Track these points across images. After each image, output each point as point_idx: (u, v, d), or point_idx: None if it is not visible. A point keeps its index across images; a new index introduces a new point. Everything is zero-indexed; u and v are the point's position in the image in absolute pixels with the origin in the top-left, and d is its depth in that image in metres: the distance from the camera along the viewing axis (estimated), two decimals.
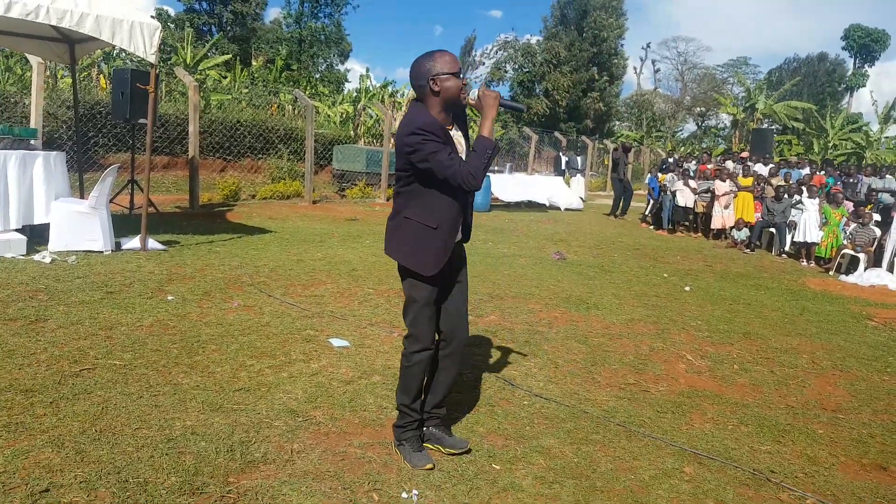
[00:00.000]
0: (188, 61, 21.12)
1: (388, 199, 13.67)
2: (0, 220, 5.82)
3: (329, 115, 23.77)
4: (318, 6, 32.09)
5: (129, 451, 2.62)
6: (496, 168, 15.86)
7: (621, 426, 3.31)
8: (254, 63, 27.36)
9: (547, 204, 14.95)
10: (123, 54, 20.53)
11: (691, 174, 13.24)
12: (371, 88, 25.61)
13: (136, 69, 8.85)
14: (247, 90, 22.17)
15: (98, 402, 3.04)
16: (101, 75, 19.66)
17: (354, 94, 27.42)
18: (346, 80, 32.25)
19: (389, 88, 25.38)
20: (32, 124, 8.51)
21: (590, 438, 3.15)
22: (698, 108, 43.44)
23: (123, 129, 11.89)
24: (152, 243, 6.39)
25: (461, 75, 2.61)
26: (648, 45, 51.76)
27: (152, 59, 5.98)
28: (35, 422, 2.81)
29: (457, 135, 2.71)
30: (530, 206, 14.82)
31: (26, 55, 9.64)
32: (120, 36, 5.79)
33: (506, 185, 14.54)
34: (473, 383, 3.73)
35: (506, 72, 32.66)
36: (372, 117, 23.31)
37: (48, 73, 15.17)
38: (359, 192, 13.76)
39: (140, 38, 5.88)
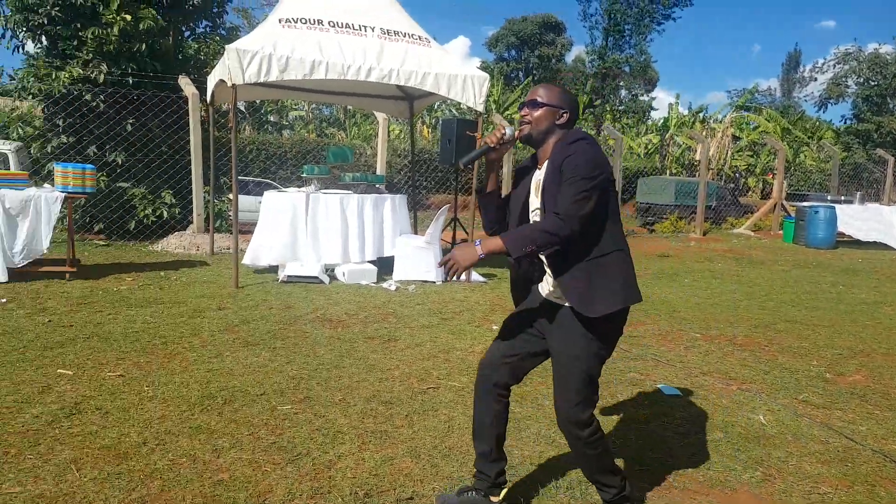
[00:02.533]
0: (498, 107, 23.01)
1: (704, 234, 12.86)
2: (358, 253, 7.01)
3: (631, 147, 23.51)
4: (621, 38, 32.29)
5: (474, 471, 2.81)
6: (843, 197, 13.75)
7: None
8: None
9: None
10: (443, 105, 23.33)
11: None
12: (683, 116, 24.63)
13: (461, 118, 9.91)
14: None
15: (444, 420, 3.35)
16: (424, 125, 22.60)
17: (659, 123, 26.67)
18: (653, 109, 31.61)
19: (701, 115, 24.12)
20: (378, 171, 10.12)
21: None
22: None
23: (445, 173, 13.39)
24: (475, 276, 7.01)
25: (523, 108, 2.40)
26: None
27: (480, 107, 6.63)
28: (395, 432, 3.20)
29: (538, 174, 2.38)
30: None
31: (374, 112, 11.56)
32: (455, 90, 6.56)
33: (855, 217, 12.47)
34: (842, 455, 3.17)
35: (847, 87, 28.43)
36: (679, 146, 22.35)
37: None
38: (669, 226, 13.21)
39: (471, 90, 6.58)
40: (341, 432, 3.15)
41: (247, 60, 5.69)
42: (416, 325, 5.17)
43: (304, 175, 7.75)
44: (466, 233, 9.59)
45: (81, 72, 9.14)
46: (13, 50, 9.68)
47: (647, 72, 31.43)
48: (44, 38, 9.54)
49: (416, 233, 8.46)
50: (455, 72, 6.50)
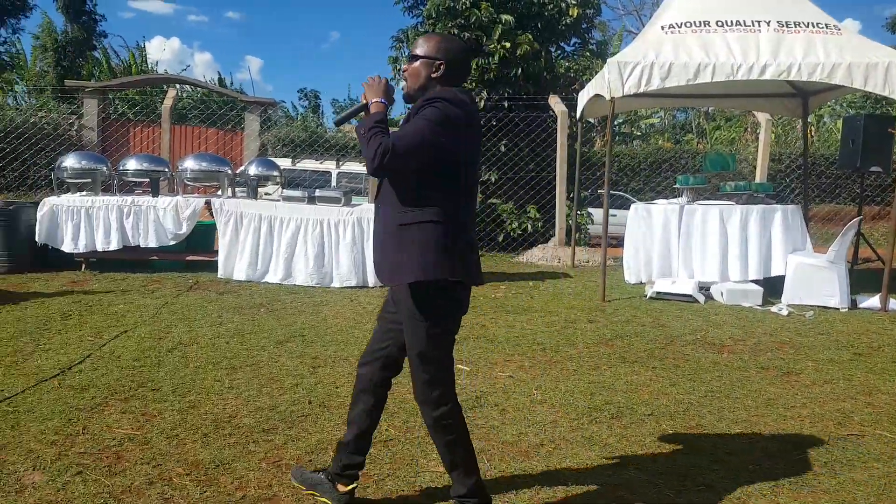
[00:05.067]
0: None
1: None
2: (739, 271, 6.51)
3: None
4: None
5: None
6: None
7: None
8: None
9: None
10: (832, 102, 20.41)
11: None
12: None
13: (870, 114, 8.52)
14: None
15: (878, 475, 2.85)
16: (810, 126, 20.04)
17: None
18: None
19: None
20: (758, 179, 9.30)
21: None
22: None
23: (836, 179, 11.70)
24: (894, 304, 5.89)
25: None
26: None
27: None
28: (814, 479, 2.83)
29: None
30: None
31: (753, 113, 10.67)
32: (873, 81, 5.65)
33: None
34: None
35: None
36: None
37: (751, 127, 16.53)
38: None
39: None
40: (745, 470, 2.91)
41: (627, 72, 5.77)
42: (821, 358, 4.54)
43: (678, 185, 7.52)
44: (874, 250, 8.21)
45: None
46: None
47: None
48: None
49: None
50: (874, 60, 5.59)
